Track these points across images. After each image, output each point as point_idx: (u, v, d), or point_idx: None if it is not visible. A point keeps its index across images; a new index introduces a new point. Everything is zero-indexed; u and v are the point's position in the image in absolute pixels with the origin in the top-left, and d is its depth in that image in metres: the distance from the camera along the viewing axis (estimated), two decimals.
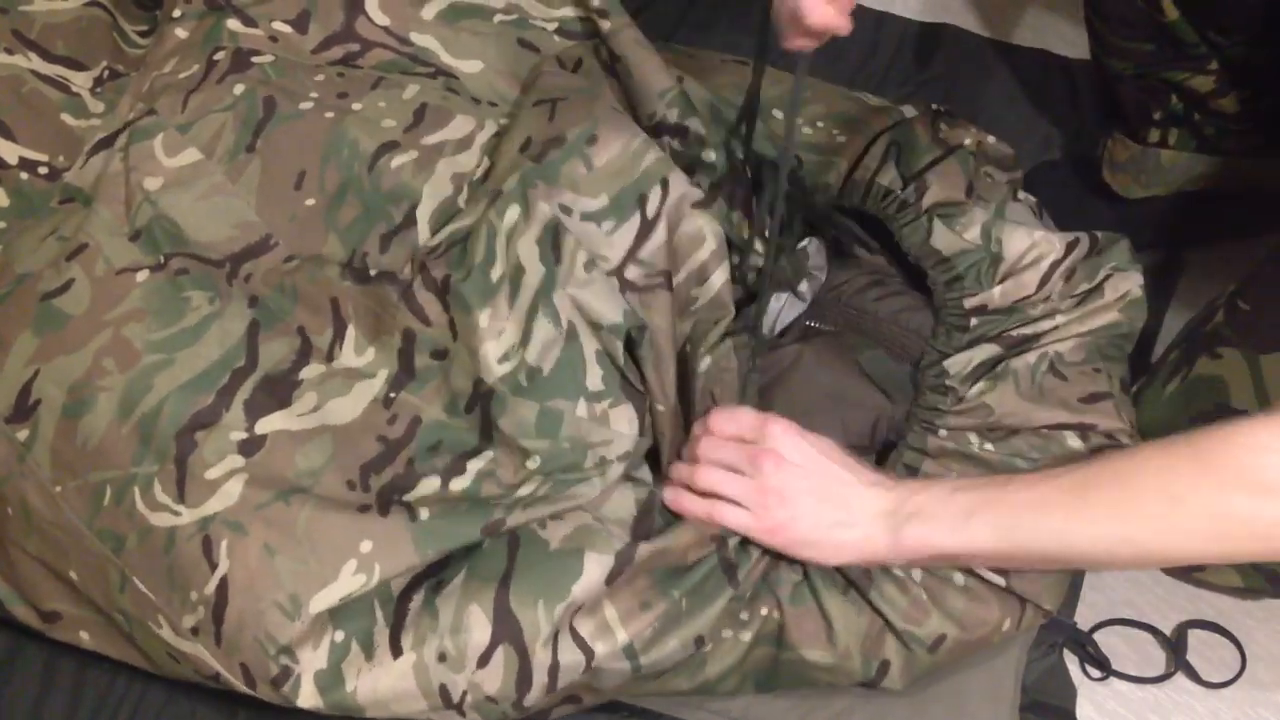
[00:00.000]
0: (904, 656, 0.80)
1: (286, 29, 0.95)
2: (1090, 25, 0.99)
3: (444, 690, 0.74)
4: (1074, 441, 0.83)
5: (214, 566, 0.74)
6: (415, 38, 0.95)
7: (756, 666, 0.80)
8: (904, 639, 0.80)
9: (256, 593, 0.73)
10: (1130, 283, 0.88)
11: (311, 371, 0.81)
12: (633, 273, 0.81)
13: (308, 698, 0.73)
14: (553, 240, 0.79)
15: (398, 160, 0.87)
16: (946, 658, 0.81)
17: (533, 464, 0.77)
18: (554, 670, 0.74)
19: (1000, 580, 0.80)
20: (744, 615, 0.78)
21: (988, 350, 0.86)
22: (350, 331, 0.82)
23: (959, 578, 0.80)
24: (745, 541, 0.78)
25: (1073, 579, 0.95)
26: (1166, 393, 0.89)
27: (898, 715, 0.87)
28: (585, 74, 0.92)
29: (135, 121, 0.90)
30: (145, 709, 0.88)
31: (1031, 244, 0.89)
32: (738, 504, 0.77)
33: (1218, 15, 0.90)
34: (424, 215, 0.86)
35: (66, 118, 0.94)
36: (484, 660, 0.73)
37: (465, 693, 0.74)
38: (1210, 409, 0.86)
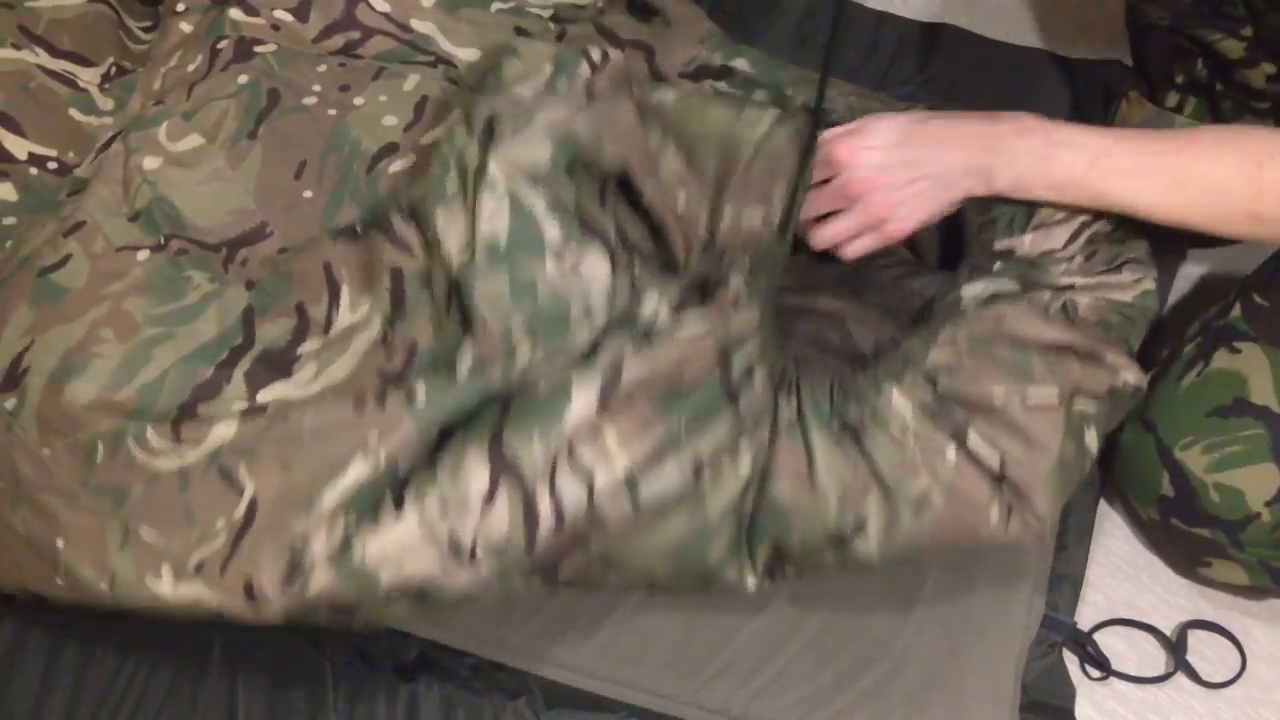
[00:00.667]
0: (885, 517, 0.78)
1: (288, 17, 0.95)
2: None
3: (453, 538, 0.73)
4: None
5: (241, 491, 0.75)
6: (415, 24, 0.96)
7: (751, 507, 0.79)
8: (889, 493, 0.78)
9: (279, 504, 0.74)
10: (1145, 273, 0.88)
11: (310, 346, 0.81)
12: (601, 84, 0.83)
13: (319, 581, 0.73)
14: (488, 130, 0.80)
15: (395, 166, 0.88)
16: (930, 527, 0.79)
17: (518, 336, 0.77)
18: (558, 504, 0.74)
19: (995, 460, 0.79)
20: (743, 442, 0.78)
21: (1005, 284, 0.86)
22: (344, 291, 0.82)
23: (951, 453, 0.79)
24: (750, 370, 0.78)
25: (1073, 578, 0.96)
26: (1182, 386, 0.89)
27: (898, 714, 0.87)
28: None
29: (143, 115, 0.91)
30: (146, 704, 0.88)
31: None
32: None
33: None
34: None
35: (75, 113, 0.94)
36: (488, 502, 0.74)
37: (475, 539, 0.74)
38: (1229, 403, 0.86)
